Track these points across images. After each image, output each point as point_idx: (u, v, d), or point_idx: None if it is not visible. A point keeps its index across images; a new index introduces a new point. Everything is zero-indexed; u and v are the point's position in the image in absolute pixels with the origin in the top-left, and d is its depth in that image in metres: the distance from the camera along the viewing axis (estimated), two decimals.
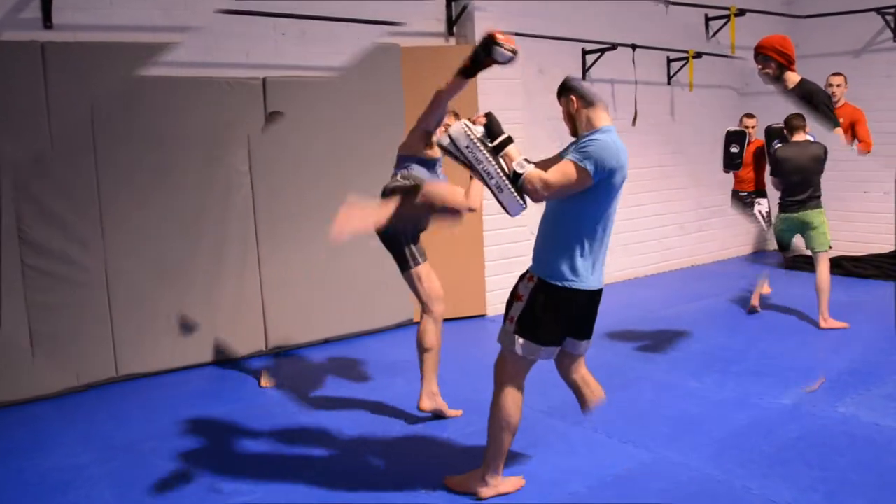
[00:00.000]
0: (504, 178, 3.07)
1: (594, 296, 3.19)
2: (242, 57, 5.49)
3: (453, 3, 6.29)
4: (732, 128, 6.95)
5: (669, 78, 8.33)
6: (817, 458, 3.62)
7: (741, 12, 8.00)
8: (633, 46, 7.56)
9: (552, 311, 3.12)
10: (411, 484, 3.49)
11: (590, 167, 2.95)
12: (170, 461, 3.86)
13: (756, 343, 5.54)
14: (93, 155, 4.81)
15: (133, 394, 4.86)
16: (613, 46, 7.31)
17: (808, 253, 6.25)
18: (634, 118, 7.62)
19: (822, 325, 6.00)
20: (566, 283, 3.08)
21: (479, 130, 3.17)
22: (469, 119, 3.18)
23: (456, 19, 6.31)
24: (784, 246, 6.39)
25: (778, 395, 4.44)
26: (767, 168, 6.76)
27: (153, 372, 5.13)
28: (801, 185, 6.09)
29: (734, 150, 6.85)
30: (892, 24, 8.10)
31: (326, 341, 5.83)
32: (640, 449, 3.76)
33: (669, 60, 8.26)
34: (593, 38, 7.35)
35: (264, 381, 4.89)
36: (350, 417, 4.34)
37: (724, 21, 8.08)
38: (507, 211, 3.13)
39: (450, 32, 6.37)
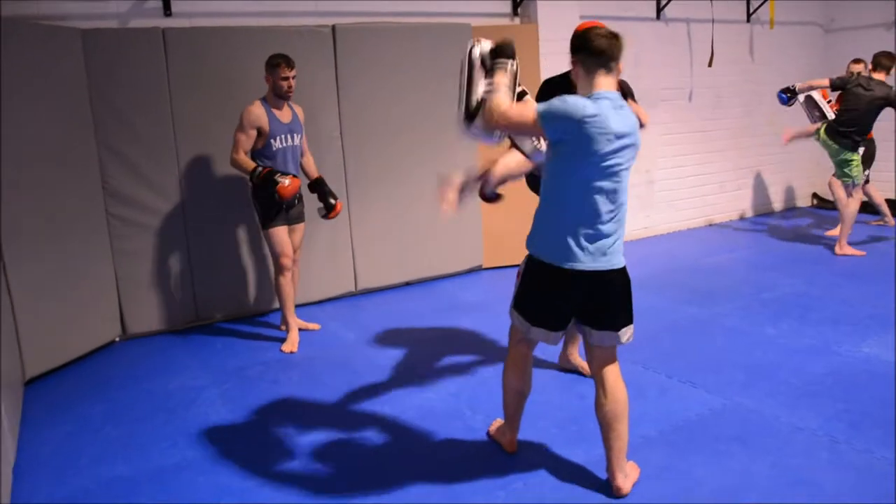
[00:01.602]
0: (465, 94, 2.87)
1: (582, 277, 2.59)
2: (311, 5, 5.36)
3: None
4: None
5: (749, 15, 7.78)
6: None
7: None
8: None
9: (534, 287, 2.73)
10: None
11: (543, 116, 2.51)
12: (272, 384, 3.96)
13: (814, 288, 5.36)
14: (169, 106, 4.73)
15: (241, 331, 4.96)
16: None
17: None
18: (711, 59, 7.04)
19: (838, 251, 6.10)
20: (541, 257, 2.66)
21: (487, 48, 2.91)
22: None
23: (521, 1, 6.15)
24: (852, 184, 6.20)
25: (857, 342, 4.16)
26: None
27: (263, 311, 5.25)
28: (857, 120, 5.96)
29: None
30: None
31: (407, 284, 5.85)
32: (714, 395, 3.54)
33: None
34: None
35: (286, 346, 4.51)
36: (427, 348, 4.37)
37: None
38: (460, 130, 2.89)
39: (514, 13, 6.22)
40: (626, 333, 2.73)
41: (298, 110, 4.57)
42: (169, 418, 3.57)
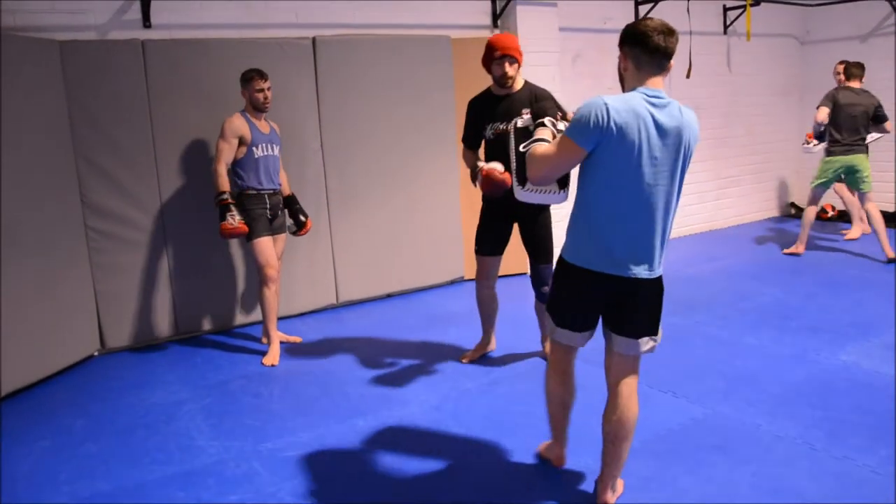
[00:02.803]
0: (513, 161, 2.86)
1: (608, 280, 2.49)
2: (292, 17, 5.37)
3: None
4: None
5: (726, 28, 7.93)
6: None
7: (757, 2, 7.73)
8: None
9: (562, 289, 2.65)
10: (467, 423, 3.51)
11: (573, 135, 2.40)
12: (253, 398, 3.94)
13: (792, 297, 5.43)
14: (148, 118, 4.70)
15: (222, 343, 4.94)
16: None
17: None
18: (689, 70, 7.11)
19: (890, 254, 6.06)
20: (567, 257, 2.57)
21: (527, 120, 2.92)
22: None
23: (500, 13, 6.20)
24: (820, 193, 6.38)
25: (836, 350, 4.23)
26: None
27: (243, 324, 5.23)
28: (851, 129, 6.07)
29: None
30: None
31: (388, 296, 5.86)
32: (695, 404, 3.57)
33: (726, 9, 7.86)
34: None
35: (267, 359, 4.48)
36: (410, 359, 4.38)
37: (740, 11, 7.81)
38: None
39: (494, 25, 6.27)
40: (647, 344, 2.61)
41: (276, 126, 4.65)
42: (149, 433, 3.55)
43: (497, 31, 6.26)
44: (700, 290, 5.66)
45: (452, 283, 6.16)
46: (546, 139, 2.61)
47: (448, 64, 5.80)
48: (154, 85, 4.69)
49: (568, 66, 6.65)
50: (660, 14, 6.99)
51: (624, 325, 2.59)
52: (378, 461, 3.17)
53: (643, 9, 7.08)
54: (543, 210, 3.96)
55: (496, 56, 3.82)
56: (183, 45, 4.78)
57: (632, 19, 7.05)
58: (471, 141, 4.10)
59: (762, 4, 7.84)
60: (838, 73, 6.55)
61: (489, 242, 4.13)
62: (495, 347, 4.44)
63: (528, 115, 2.98)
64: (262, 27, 5.21)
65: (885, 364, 3.97)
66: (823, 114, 6.19)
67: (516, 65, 3.84)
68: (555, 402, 2.88)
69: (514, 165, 2.89)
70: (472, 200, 6.00)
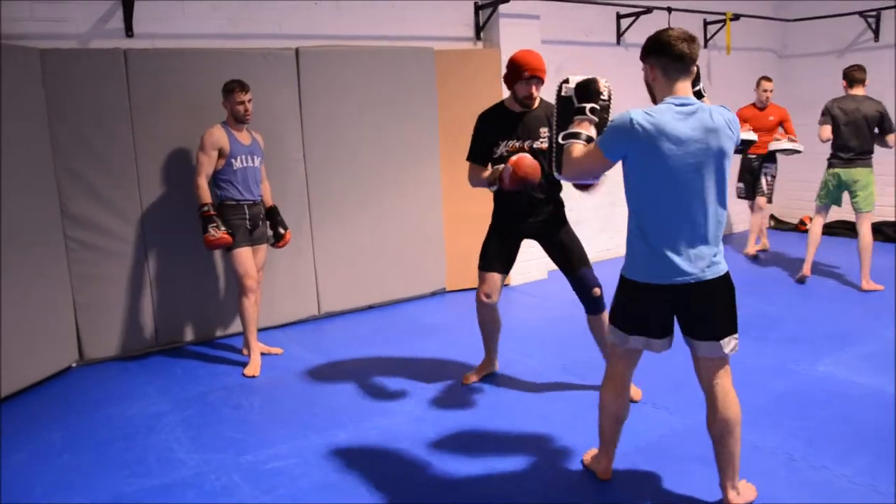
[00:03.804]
0: (553, 148, 2.84)
1: (663, 290, 2.58)
2: (275, 27, 5.36)
3: (480, 11, 6.23)
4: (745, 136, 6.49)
5: (706, 41, 8.00)
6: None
7: (736, 17, 7.85)
8: (669, 9, 7.14)
9: (623, 300, 2.73)
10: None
11: (602, 145, 2.56)
12: (234, 409, 3.92)
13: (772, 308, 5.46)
14: (130, 128, 4.68)
15: (203, 354, 4.91)
16: (649, 10, 6.95)
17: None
18: None
19: (864, 286, 5.72)
20: (627, 274, 2.68)
21: (568, 90, 2.84)
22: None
23: (483, 25, 6.24)
24: (826, 205, 5.92)
25: (814, 361, 4.26)
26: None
27: (224, 335, 5.20)
28: (853, 140, 5.65)
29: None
30: (873, 26, 7.91)
31: (370, 307, 5.85)
32: (675, 415, 3.58)
33: (706, 23, 7.92)
34: (627, 1, 7.01)
35: (248, 371, 4.46)
36: (392, 370, 4.37)
37: (720, 25, 7.91)
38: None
39: (477, 37, 6.31)
40: (730, 344, 2.64)
41: (258, 136, 4.65)
42: (128, 445, 3.52)
43: (480, 44, 6.30)
44: None
45: (434, 294, 6.16)
46: (581, 134, 2.69)
47: (431, 75, 5.83)
48: (136, 94, 4.67)
49: (551, 78, 6.68)
50: (641, 27, 7.08)
51: (700, 329, 2.64)
52: (359, 473, 3.16)
53: (625, 22, 7.15)
54: (561, 220, 3.85)
55: (524, 76, 3.65)
56: (165, 54, 4.77)
57: (614, 32, 7.14)
58: (480, 157, 3.85)
59: (742, 19, 7.96)
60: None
61: (497, 258, 3.89)
62: (497, 368, 4.28)
63: (572, 83, 2.88)
64: (246, 37, 5.21)
65: (862, 374, 4.01)
66: (826, 132, 5.78)
67: (541, 86, 3.76)
68: (607, 414, 2.89)
69: (555, 145, 2.85)
70: (454, 212, 6.04)
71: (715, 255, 2.58)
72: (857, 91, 5.82)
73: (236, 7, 5.16)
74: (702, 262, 2.55)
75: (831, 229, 7.96)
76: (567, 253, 3.79)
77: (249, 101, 4.41)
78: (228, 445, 3.47)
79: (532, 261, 6.23)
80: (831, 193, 5.92)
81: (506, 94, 6.02)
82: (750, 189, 7.14)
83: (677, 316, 2.68)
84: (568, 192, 3.78)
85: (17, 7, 4.40)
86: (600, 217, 7.21)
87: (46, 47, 4.43)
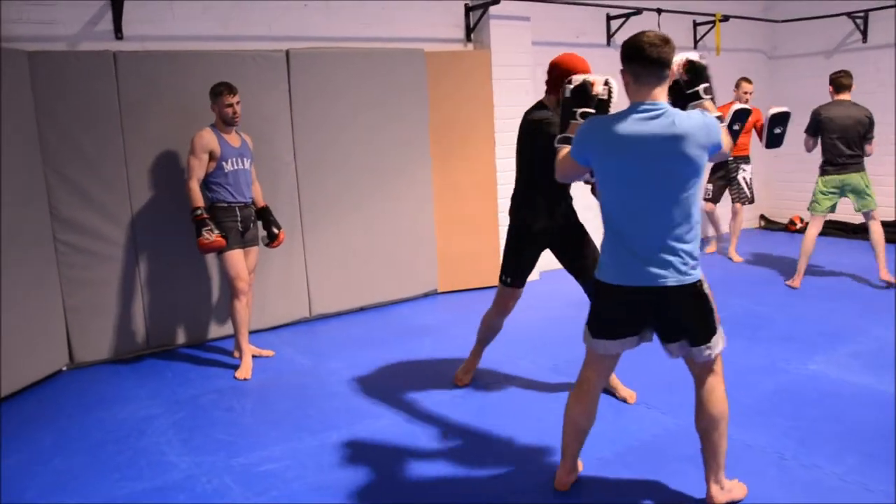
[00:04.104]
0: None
1: (638, 293, 2.54)
2: (265, 29, 5.36)
3: (471, 13, 6.24)
4: (776, 109, 6.37)
5: (696, 42, 8.01)
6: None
7: (725, 18, 7.88)
8: (659, 11, 7.17)
9: (599, 305, 2.70)
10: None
11: (573, 151, 2.62)
12: (225, 412, 3.91)
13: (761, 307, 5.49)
14: (120, 130, 4.66)
15: (195, 357, 4.89)
16: (638, 11, 6.97)
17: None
18: None
19: (883, 276, 5.76)
20: (599, 276, 2.66)
21: (567, 90, 2.85)
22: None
23: (473, 27, 6.25)
24: (822, 214, 5.88)
25: (805, 360, 4.27)
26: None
27: (216, 337, 5.18)
28: (844, 145, 5.66)
29: (778, 131, 6.37)
30: (861, 27, 7.95)
31: (362, 309, 5.84)
32: (668, 415, 3.58)
33: (696, 24, 7.95)
34: (617, 2, 7.03)
35: (240, 373, 4.44)
36: (383, 372, 4.37)
37: (710, 26, 7.94)
38: None
39: (468, 38, 6.32)
40: (708, 350, 2.61)
41: (247, 138, 4.64)
42: (119, 449, 3.50)
43: (470, 45, 6.30)
44: None
45: (426, 296, 6.16)
46: (571, 138, 2.71)
47: (422, 77, 5.83)
48: (126, 97, 4.66)
49: (541, 79, 6.67)
50: (631, 28, 7.08)
51: (673, 336, 2.64)
52: (352, 475, 3.15)
53: (615, 23, 7.17)
54: (581, 229, 3.76)
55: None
56: (155, 56, 4.75)
57: (604, 34, 7.16)
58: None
59: (731, 20, 7.99)
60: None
61: (523, 273, 3.81)
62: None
63: (573, 83, 2.87)
64: (236, 39, 5.20)
65: (853, 373, 4.03)
66: (810, 144, 5.86)
67: None
68: (569, 422, 2.83)
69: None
70: (446, 213, 6.04)
71: (682, 263, 2.52)
72: (845, 97, 5.83)
73: (226, 8, 5.15)
74: (664, 269, 2.51)
75: (822, 230, 7.98)
76: (587, 259, 3.66)
77: (238, 103, 4.40)
78: (220, 448, 3.46)
79: None
80: (826, 200, 5.87)
81: (498, 94, 6.08)
82: (719, 191, 7.03)
83: (653, 319, 2.65)
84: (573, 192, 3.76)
85: (5, 9, 4.38)
86: (588, 220, 7.22)
87: (35, 50, 4.41)
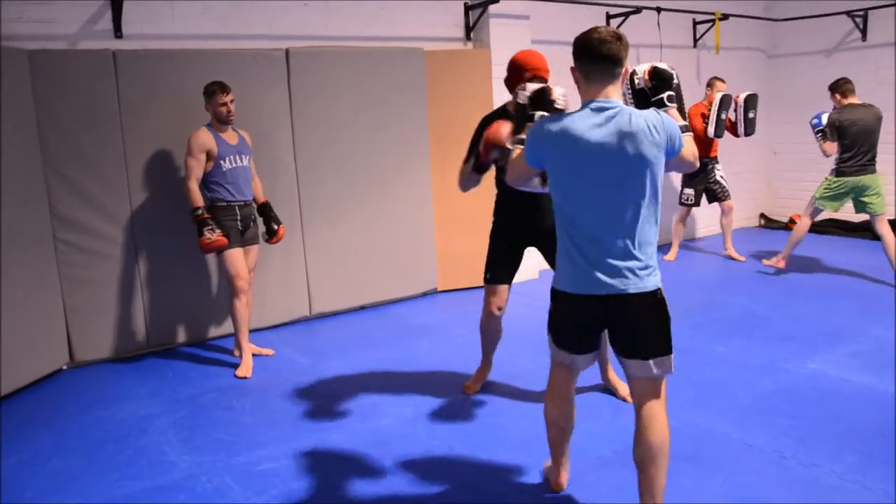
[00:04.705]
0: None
1: (590, 301, 2.44)
2: (265, 28, 5.35)
3: (470, 11, 6.24)
4: (746, 93, 6.40)
5: (696, 41, 8.02)
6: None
7: (725, 16, 7.87)
8: (658, 9, 7.15)
9: (555, 312, 2.61)
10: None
11: (525, 153, 2.53)
12: (225, 411, 3.91)
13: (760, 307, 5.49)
14: (120, 129, 4.66)
15: (195, 356, 4.90)
16: (638, 10, 6.95)
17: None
18: None
19: None
20: (554, 284, 2.57)
21: (523, 97, 2.85)
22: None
23: (473, 25, 6.25)
24: (822, 209, 5.94)
25: (804, 359, 4.27)
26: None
27: (216, 336, 5.18)
28: (866, 147, 5.66)
29: (752, 115, 6.37)
30: (861, 26, 7.95)
31: (362, 308, 5.84)
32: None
33: (695, 23, 7.93)
34: (617, 1, 7.01)
35: (240, 372, 4.44)
36: (383, 371, 4.37)
37: (709, 25, 7.93)
38: None
39: (467, 37, 6.31)
40: (663, 364, 2.48)
41: (245, 135, 4.63)
42: (119, 448, 3.50)
43: (470, 44, 6.30)
44: (671, 300, 5.68)
45: (426, 294, 6.16)
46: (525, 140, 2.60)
47: (421, 75, 5.82)
48: (125, 96, 4.65)
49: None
50: (631, 27, 7.10)
51: (626, 347, 2.50)
52: (351, 475, 3.15)
53: (614, 22, 7.16)
54: None
55: (526, 77, 3.45)
56: (155, 55, 4.75)
57: None
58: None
59: (731, 19, 7.99)
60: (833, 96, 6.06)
61: (505, 269, 3.80)
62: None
63: (528, 90, 2.87)
64: (236, 38, 5.19)
65: (853, 372, 4.03)
66: (832, 148, 5.78)
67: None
68: (549, 424, 2.78)
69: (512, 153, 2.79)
70: (445, 212, 6.03)
71: (640, 270, 2.42)
72: (854, 99, 5.84)
73: (226, 8, 5.15)
74: (621, 276, 2.39)
75: (821, 227, 8.01)
76: None
77: (231, 101, 4.40)
78: (220, 447, 3.46)
79: (524, 260, 6.22)
80: (836, 199, 5.89)
81: (497, 94, 6.07)
82: (700, 195, 6.95)
83: (608, 330, 2.54)
84: None
85: (5, 8, 4.37)
86: None
87: (35, 48, 4.41)
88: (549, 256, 3.68)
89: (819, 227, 8.09)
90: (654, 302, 2.46)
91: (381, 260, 5.82)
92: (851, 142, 5.73)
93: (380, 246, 5.80)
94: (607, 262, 2.40)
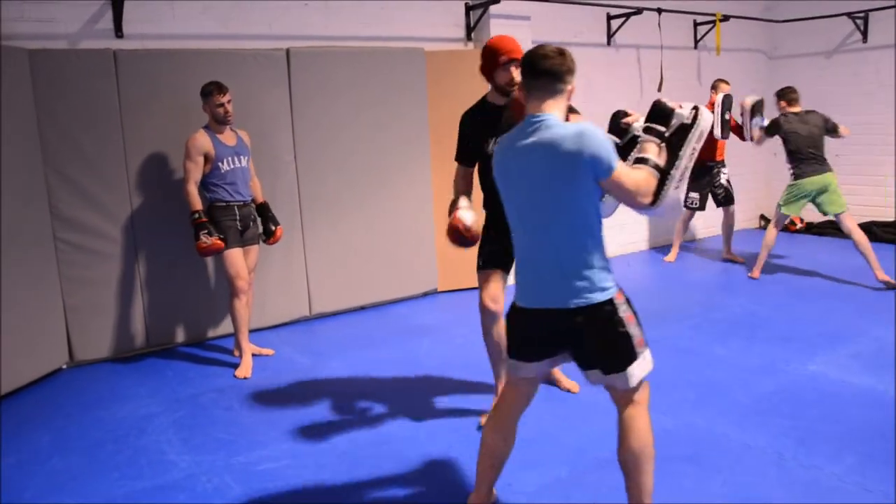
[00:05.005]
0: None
1: (543, 315, 2.39)
2: (265, 28, 5.36)
3: (471, 12, 6.24)
4: (752, 99, 6.37)
5: (696, 42, 8.02)
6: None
7: (726, 18, 7.88)
8: (659, 10, 7.15)
9: (510, 326, 2.55)
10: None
11: None
12: (225, 411, 3.91)
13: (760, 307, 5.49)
14: (120, 129, 4.67)
15: (194, 356, 4.90)
16: (639, 11, 6.95)
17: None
18: (660, 84, 7.22)
19: (880, 277, 5.77)
20: (514, 299, 2.51)
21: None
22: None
23: (474, 26, 6.25)
24: (786, 215, 6.15)
25: (805, 360, 4.27)
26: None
27: (215, 336, 5.18)
28: (812, 151, 5.88)
29: (756, 121, 6.31)
30: (862, 28, 7.95)
31: (362, 308, 5.84)
32: (666, 415, 3.54)
33: (696, 24, 7.94)
34: (618, 2, 7.00)
35: (240, 372, 4.43)
36: (383, 371, 4.37)
37: (710, 26, 7.94)
38: None
39: (468, 38, 6.31)
40: (620, 381, 2.40)
41: (243, 134, 4.62)
42: (118, 448, 3.50)
43: (471, 45, 6.30)
44: (671, 301, 5.71)
45: (426, 294, 6.16)
46: None
47: (422, 76, 5.82)
48: (126, 95, 4.65)
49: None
50: (631, 28, 7.10)
51: (583, 361, 2.45)
52: (351, 475, 3.15)
53: (615, 23, 7.16)
54: None
55: (501, 62, 3.36)
56: (156, 55, 4.75)
57: (604, 33, 7.15)
58: (467, 159, 3.61)
59: (731, 20, 7.98)
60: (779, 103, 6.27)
61: (499, 255, 3.46)
62: None
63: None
64: (236, 38, 5.19)
65: (853, 374, 4.03)
66: (761, 138, 6.19)
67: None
68: (485, 451, 2.62)
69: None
70: (446, 212, 6.01)
71: (586, 282, 2.33)
72: (797, 108, 6.11)
73: (226, 7, 5.15)
74: (560, 291, 2.34)
75: (820, 229, 8.02)
76: None
77: (229, 102, 4.40)
78: (220, 447, 3.46)
79: None
80: (797, 201, 6.08)
81: None
82: (705, 199, 6.94)
83: (568, 344, 2.45)
84: None
85: (6, 7, 4.37)
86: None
87: (35, 48, 4.41)
88: None
89: (818, 229, 8.11)
90: (602, 315, 2.36)
91: (381, 260, 5.82)
92: (796, 148, 5.99)
93: (380, 246, 5.80)
94: (546, 277, 2.37)
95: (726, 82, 6.80)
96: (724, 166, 6.95)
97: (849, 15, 7.89)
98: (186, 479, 3.16)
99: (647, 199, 2.41)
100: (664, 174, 2.53)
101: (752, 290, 5.94)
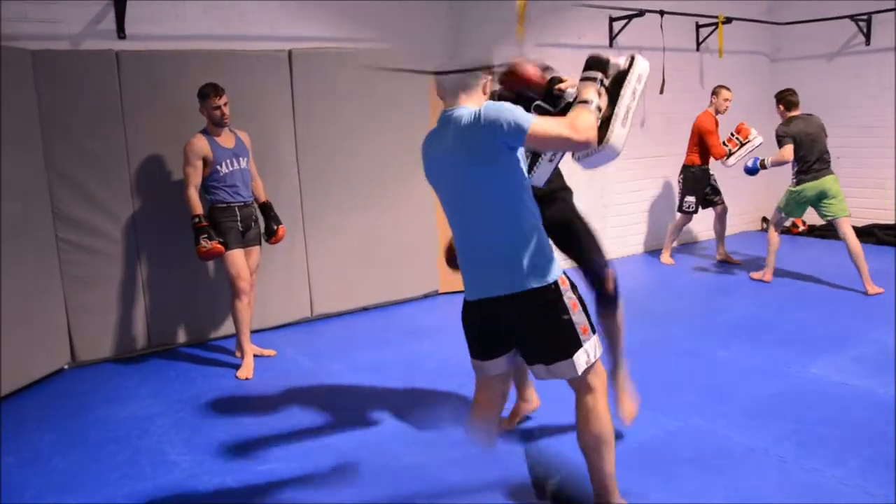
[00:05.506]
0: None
1: (481, 305, 2.40)
2: (268, 29, 5.37)
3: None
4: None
5: (698, 44, 8.02)
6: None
7: (728, 20, 7.87)
8: (661, 12, 7.16)
9: (463, 322, 2.56)
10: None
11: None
12: (226, 412, 3.91)
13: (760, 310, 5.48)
14: (122, 130, 4.68)
15: (196, 356, 4.90)
16: (641, 13, 6.96)
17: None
18: (662, 86, 7.26)
19: (869, 290, 5.69)
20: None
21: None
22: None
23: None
24: (786, 218, 6.15)
25: (807, 363, 4.25)
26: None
27: (217, 337, 5.19)
28: (815, 154, 5.83)
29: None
30: (865, 30, 7.95)
31: (364, 309, 5.84)
32: (668, 417, 3.57)
33: (698, 26, 7.93)
34: (620, 4, 7.00)
35: (241, 373, 4.44)
36: (384, 373, 4.37)
37: (712, 28, 7.94)
38: None
39: None
40: (570, 365, 2.36)
41: (243, 135, 4.62)
42: (120, 448, 3.50)
43: None
44: (674, 303, 5.71)
45: (427, 296, 6.16)
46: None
47: (425, 78, 5.81)
48: (128, 96, 4.66)
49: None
50: (633, 30, 7.10)
51: (524, 352, 2.44)
52: (352, 476, 3.15)
53: (617, 25, 7.17)
54: (569, 224, 3.26)
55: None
56: (158, 56, 4.76)
57: (606, 35, 7.15)
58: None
59: (733, 22, 7.98)
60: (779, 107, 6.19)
61: None
62: (539, 404, 3.58)
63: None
64: (239, 39, 5.20)
65: (855, 376, 4.03)
66: (790, 152, 5.88)
67: None
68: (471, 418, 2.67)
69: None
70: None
71: (516, 269, 2.31)
72: (797, 112, 6.03)
73: (229, 8, 5.16)
74: (493, 278, 2.35)
75: (825, 232, 8.01)
76: (568, 233, 3.21)
77: (225, 104, 4.40)
78: (221, 447, 3.46)
79: None
80: (800, 207, 6.06)
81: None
82: (701, 202, 6.95)
83: (487, 333, 2.47)
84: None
85: (7, 8, 4.38)
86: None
87: (38, 48, 4.41)
88: (564, 248, 3.27)
89: (821, 232, 8.10)
90: (545, 301, 2.33)
91: (382, 261, 5.82)
92: (806, 150, 5.89)
93: (381, 247, 5.80)
94: (486, 267, 2.38)
95: (728, 88, 6.81)
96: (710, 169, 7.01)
97: (852, 17, 7.89)
98: (188, 480, 3.16)
99: (583, 136, 2.25)
100: (608, 117, 2.48)
101: (753, 293, 5.94)
